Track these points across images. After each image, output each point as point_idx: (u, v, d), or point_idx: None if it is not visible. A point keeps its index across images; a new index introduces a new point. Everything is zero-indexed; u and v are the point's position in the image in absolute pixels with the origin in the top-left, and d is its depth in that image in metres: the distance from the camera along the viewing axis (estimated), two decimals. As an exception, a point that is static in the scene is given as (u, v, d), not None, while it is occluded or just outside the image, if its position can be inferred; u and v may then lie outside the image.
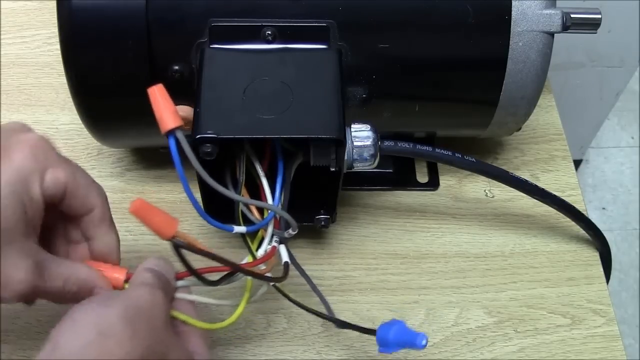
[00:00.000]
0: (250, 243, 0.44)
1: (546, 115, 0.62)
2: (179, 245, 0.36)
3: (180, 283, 0.41)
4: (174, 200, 0.55)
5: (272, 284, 0.44)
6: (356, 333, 0.50)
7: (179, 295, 0.40)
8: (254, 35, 0.45)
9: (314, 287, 0.47)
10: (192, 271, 0.38)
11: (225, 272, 0.40)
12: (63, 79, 0.46)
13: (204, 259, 0.38)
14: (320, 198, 0.48)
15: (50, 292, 0.37)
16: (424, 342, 0.38)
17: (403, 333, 0.39)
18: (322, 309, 0.46)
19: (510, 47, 0.47)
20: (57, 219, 0.40)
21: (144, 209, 0.35)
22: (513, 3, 0.46)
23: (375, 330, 0.41)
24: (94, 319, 0.33)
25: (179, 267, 0.40)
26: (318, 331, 0.50)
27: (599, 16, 0.48)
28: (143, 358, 0.33)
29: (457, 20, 0.46)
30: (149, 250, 0.52)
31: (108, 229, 0.40)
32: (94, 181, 0.40)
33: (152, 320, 0.35)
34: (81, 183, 0.39)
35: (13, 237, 0.34)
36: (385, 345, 0.40)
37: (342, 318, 0.50)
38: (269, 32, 0.45)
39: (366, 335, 0.50)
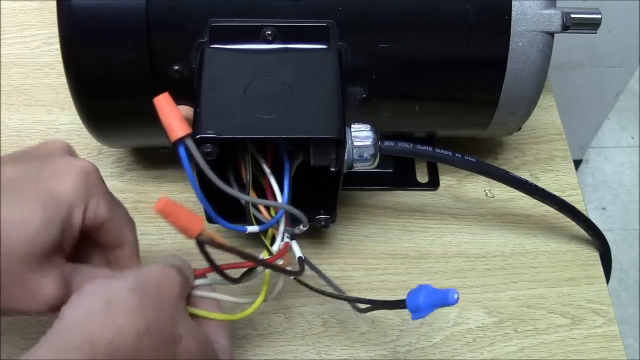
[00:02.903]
0: (265, 240, 0.44)
1: (546, 115, 0.62)
2: (204, 242, 0.36)
3: (202, 281, 0.41)
4: (175, 200, 0.55)
5: (292, 277, 0.44)
6: (356, 333, 0.50)
7: (202, 293, 0.40)
8: (254, 35, 0.45)
9: (326, 279, 0.46)
10: (215, 268, 0.38)
11: (245, 269, 0.41)
12: (63, 79, 0.46)
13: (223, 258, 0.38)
14: (320, 198, 0.48)
15: None
16: (455, 296, 0.38)
17: (432, 294, 0.39)
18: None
19: (510, 47, 0.47)
20: (88, 247, 0.40)
21: (169, 208, 0.35)
22: (513, 3, 0.46)
23: (404, 300, 0.41)
24: (102, 290, 0.33)
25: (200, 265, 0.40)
26: (318, 331, 0.50)
27: (599, 16, 0.48)
28: (148, 329, 0.33)
29: (457, 20, 0.46)
30: (151, 250, 0.52)
31: (136, 264, 0.41)
32: (130, 218, 0.41)
33: (162, 294, 0.35)
34: (118, 219, 0.39)
35: (45, 257, 0.35)
36: (417, 310, 0.40)
37: (342, 318, 0.50)
38: (269, 32, 0.45)
39: (366, 335, 0.50)
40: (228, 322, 0.41)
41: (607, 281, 0.54)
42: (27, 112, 0.60)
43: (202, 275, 0.41)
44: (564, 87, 1.09)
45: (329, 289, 0.46)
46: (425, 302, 0.39)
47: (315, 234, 0.54)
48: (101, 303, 0.33)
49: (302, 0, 0.45)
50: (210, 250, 0.37)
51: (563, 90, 1.08)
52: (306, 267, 0.45)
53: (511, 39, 0.46)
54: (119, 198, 0.54)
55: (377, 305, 0.44)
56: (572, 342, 0.51)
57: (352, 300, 0.45)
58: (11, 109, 0.60)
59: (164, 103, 0.36)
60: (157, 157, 0.56)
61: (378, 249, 0.54)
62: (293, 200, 0.45)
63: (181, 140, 0.36)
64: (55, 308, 0.35)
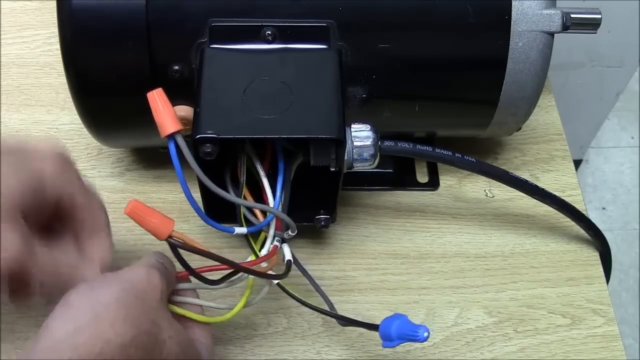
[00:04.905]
0: (253, 243, 0.44)
1: (546, 115, 0.62)
2: (176, 245, 0.36)
3: (186, 285, 0.41)
4: (174, 200, 0.55)
5: (276, 282, 0.44)
6: (356, 332, 0.50)
7: (183, 299, 0.41)
8: (254, 35, 0.45)
9: (316, 286, 0.47)
10: (190, 270, 0.38)
11: (227, 272, 0.41)
12: (63, 79, 0.46)
13: (204, 259, 0.38)
14: (320, 198, 0.48)
15: (41, 274, 0.36)
16: (425, 334, 0.38)
17: (405, 327, 0.39)
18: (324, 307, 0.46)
19: (510, 47, 0.47)
20: (60, 229, 0.40)
21: (139, 211, 0.36)
22: (513, 3, 0.46)
23: (377, 325, 0.41)
24: (89, 302, 0.34)
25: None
26: (318, 331, 0.50)
27: (599, 16, 0.48)
28: (135, 338, 0.33)
29: (457, 20, 0.46)
30: (151, 249, 0.52)
31: (107, 254, 0.41)
32: (104, 208, 0.41)
33: (146, 301, 0.35)
34: (94, 207, 0.40)
35: (13, 213, 0.35)
36: (388, 339, 0.40)
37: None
38: (269, 32, 0.45)
39: (366, 335, 0.50)
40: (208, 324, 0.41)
41: (607, 281, 0.54)
42: (27, 112, 0.59)
43: (186, 278, 0.41)
44: (564, 87, 1.09)
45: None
46: (397, 332, 0.40)
47: (315, 234, 0.54)
48: (88, 316, 0.33)
49: (302, 0, 0.45)
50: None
51: (563, 90, 1.08)
52: (296, 270, 0.46)
53: (511, 39, 0.46)
54: (119, 198, 0.55)
55: (353, 323, 0.44)
56: (572, 342, 0.51)
57: (330, 315, 0.46)
58: (11, 109, 0.60)
59: (157, 98, 0.36)
60: (157, 157, 0.56)
61: (378, 249, 0.54)
62: (292, 200, 0.45)
63: (171, 136, 0.36)
64: (17, 268, 0.34)
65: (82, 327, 0.32)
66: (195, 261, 0.39)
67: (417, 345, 0.50)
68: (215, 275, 0.40)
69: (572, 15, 0.47)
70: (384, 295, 0.52)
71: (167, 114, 0.36)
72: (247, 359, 0.49)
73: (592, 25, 0.48)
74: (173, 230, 0.37)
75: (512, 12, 0.46)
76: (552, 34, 0.47)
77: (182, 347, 0.37)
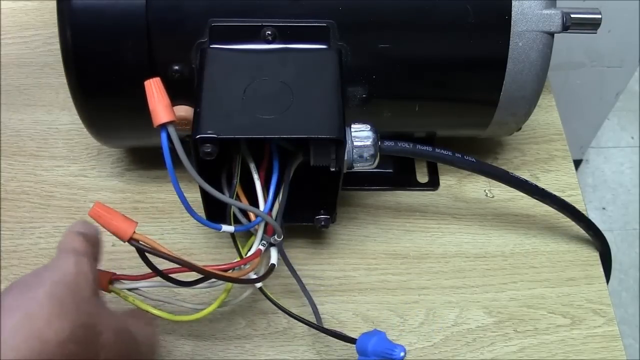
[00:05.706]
0: (240, 245, 0.44)
1: (546, 115, 0.62)
2: (143, 250, 0.37)
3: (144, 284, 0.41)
4: (175, 200, 0.54)
5: (258, 286, 0.44)
6: (356, 333, 0.50)
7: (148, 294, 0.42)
8: (254, 35, 0.45)
9: (304, 290, 0.47)
10: (159, 273, 0.39)
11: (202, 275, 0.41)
12: (63, 79, 0.46)
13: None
14: (320, 198, 0.48)
15: None
16: (402, 354, 0.38)
17: (382, 344, 0.40)
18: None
19: (510, 47, 0.47)
20: None
21: (102, 213, 0.36)
22: (513, 3, 0.46)
23: (355, 339, 0.42)
24: (22, 301, 0.33)
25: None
26: (318, 331, 0.50)
27: (599, 16, 0.48)
28: (72, 333, 0.33)
29: (457, 20, 0.46)
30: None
31: None
32: None
33: (79, 292, 0.35)
34: None
35: None
36: (364, 354, 0.41)
37: (342, 318, 0.50)
38: (269, 32, 0.45)
39: (366, 335, 0.50)
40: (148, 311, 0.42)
41: (607, 281, 0.54)
42: (27, 112, 0.60)
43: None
44: (564, 87, 1.09)
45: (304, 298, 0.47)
46: (373, 348, 0.40)
47: (315, 234, 0.54)
48: (22, 317, 0.33)
49: (302, 0, 0.45)
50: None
51: (563, 90, 1.08)
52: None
53: (511, 39, 0.46)
54: (119, 198, 0.55)
55: (332, 334, 0.45)
56: (572, 342, 0.51)
57: (310, 325, 0.46)
58: (11, 109, 0.60)
59: (153, 87, 0.36)
60: (157, 157, 0.56)
61: (378, 249, 0.54)
62: (292, 200, 0.45)
63: (164, 125, 0.36)
64: None
65: (17, 328, 0.32)
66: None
67: (417, 345, 0.50)
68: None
69: (572, 15, 0.47)
70: (384, 295, 0.52)
71: (161, 102, 0.36)
72: (247, 359, 0.49)
73: (592, 25, 0.48)
74: (135, 233, 0.37)
75: (512, 12, 0.46)
76: (552, 34, 0.47)
77: (118, 335, 0.37)
